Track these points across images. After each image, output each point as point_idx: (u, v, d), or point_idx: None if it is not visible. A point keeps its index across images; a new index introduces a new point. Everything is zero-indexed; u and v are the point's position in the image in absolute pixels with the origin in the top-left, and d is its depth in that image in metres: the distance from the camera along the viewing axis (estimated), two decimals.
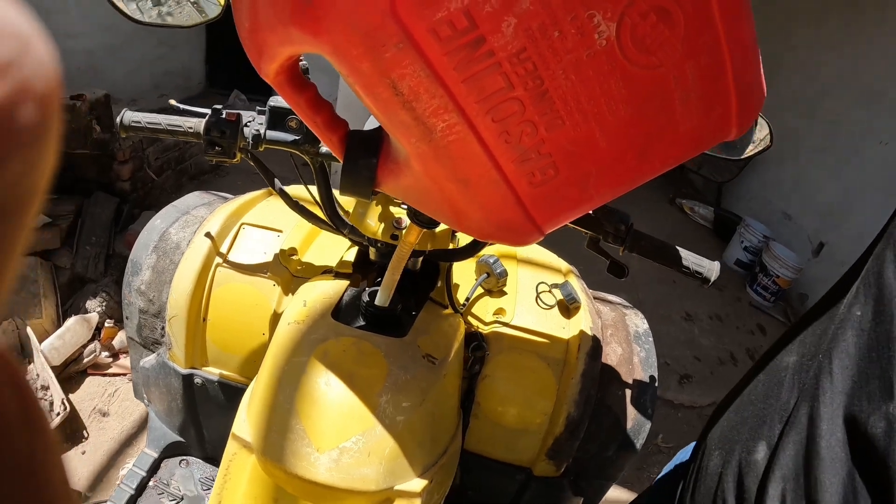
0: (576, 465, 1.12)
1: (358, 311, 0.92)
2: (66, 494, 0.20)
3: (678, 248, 0.88)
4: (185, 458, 1.41)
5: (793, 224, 4.24)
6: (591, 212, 0.84)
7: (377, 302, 0.88)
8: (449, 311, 1.01)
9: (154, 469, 1.39)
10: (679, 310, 3.36)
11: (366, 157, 0.58)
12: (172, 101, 0.96)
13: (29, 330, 2.14)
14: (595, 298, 1.29)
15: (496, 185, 0.51)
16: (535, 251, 1.29)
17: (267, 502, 0.80)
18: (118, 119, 0.94)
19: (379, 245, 0.94)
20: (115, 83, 3.86)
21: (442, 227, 0.86)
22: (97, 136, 2.63)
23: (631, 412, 1.12)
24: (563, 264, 1.27)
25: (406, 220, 0.83)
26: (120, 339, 2.35)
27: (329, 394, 0.78)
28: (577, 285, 1.18)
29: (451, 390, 0.93)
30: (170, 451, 1.39)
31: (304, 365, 0.80)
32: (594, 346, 1.08)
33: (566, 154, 0.50)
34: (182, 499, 1.34)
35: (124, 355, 2.32)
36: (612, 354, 1.17)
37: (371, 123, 0.60)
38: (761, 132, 0.88)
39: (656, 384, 1.16)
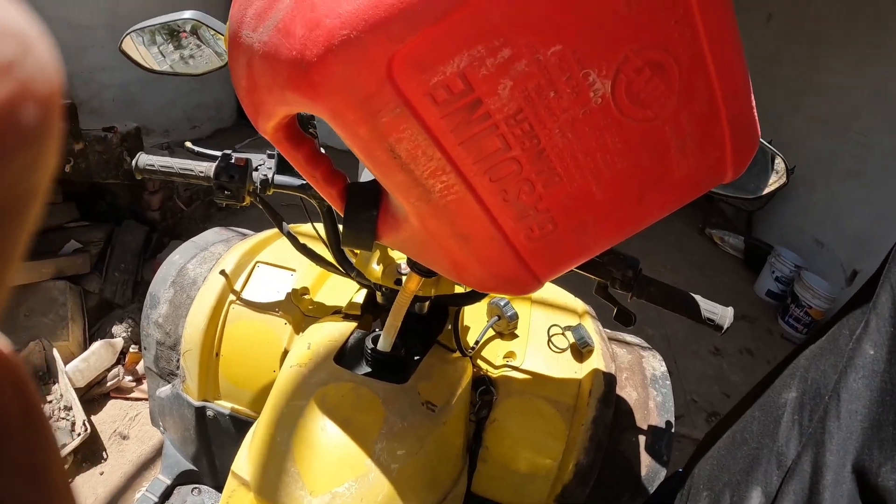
0: None
1: (362, 354, 0.92)
2: (67, 494, 0.20)
3: (690, 294, 0.85)
4: (197, 486, 1.42)
5: (825, 252, 4.12)
6: (598, 258, 0.82)
7: (379, 347, 0.88)
8: (457, 354, 1.00)
9: (166, 495, 1.41)
10: (708, 344, 3.28)
11: (366, 210, 0.58)
12: (188, 144, 0.98)
13: (55, 352, 2.19)
14: (612, 339, 1.27)
15: (495, 240, 0.51)
16: (551, 291, 1.27)
17: None
18: (133, 161, 0.97)
19: (383, 290, 0.94)
20: (149, 115, 3.98)
21: None
22: (128, 166, 2.70)
23: (645, 459, 1.09)
24: (578, 305, 1.25)
25: (406, 267, 0.83)
26: (143, 364, 2.38)
27: (324, 438, 0.78)
28: (592, 327, 1.16)
29: (453, 436, 0.92)
30: (183, 478, 1.41)
31: (302, 409, 0.80)
32: (606, 391, 1.05)
33: (563, 208, 0.50)
34: None
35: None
36: (626, 399, 1.15)
37: (368, 175, 0.60)
38: (776, 169, 0.85)
39: (672, 430, 1.13)
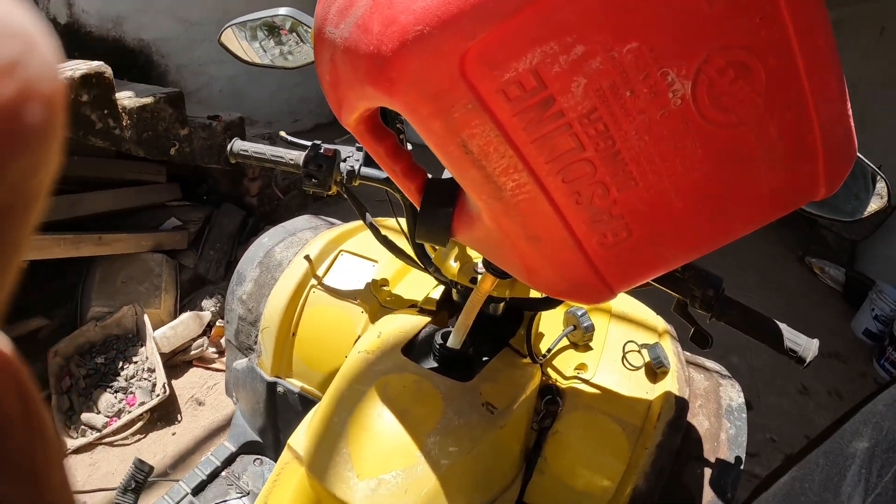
0: None
1: (430, 349, 0.93)
2: (67, 495, 0.20)
3: (774, 321, 0.80)
4: (259, 457, 1.48)
5: None
6: (679, 273, 0.79)
7: (449, 343, 0.88)
8: (526, 360, 0.98)
9: (229, 461, 1.48)
10: (795, 381, 3.08)
11: (442, 206, 0.58)
12: (282, 133, 1.02)
13: (146, 317, 2.35)
14: (689, 363, 1.21)
15: (567, 244, 0.50)
16: (631, 306, 1.23)
17: None
18: (229, 146, 1.02)
19: (459, 287, 0.94)
20: (253, 107, 4.19)
21: None
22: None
23: (708, 494, 1.03)
24: (659, 323, 1.20)
25: (482, 267, 0.83)
26: (225, 337, 2.51)
27: (379, 425, 0.79)
28: (670, 348, 1.12)
29: (511, 441, 0.91)
30: (247, 448, 1.47)
31: (363, 394, 0.81)
32: (677, 416, 1.01)
33: (639, 215, 0.47)
34: (248, 494, 1.40)
35: None
36: (697, 427, 1.10)
37: (448, 173, 0.61)
38: (878, 192, 0.78)
39: (742, 467, 1.07)
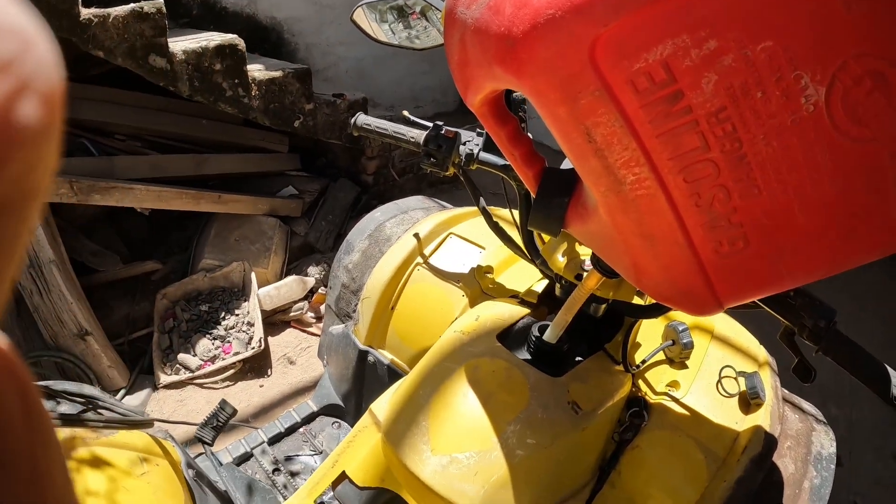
0: None
1: (525, 340, 0.94)
2: (68, 495, 0.20)
3: (886, 366, 0.75)
4: (338, 421, 1.55)
5: None
6: (790, 298, 0.75)
7: (545, 337, 0.89)
8: (619, 368, 0.98)
9: (309, 420, 1.56)
10: (893, 445, 2.85)
11: (558, 196, 0.59)
12: (405, 112, 1.07)
13: (253, 275, 2.51)
14: (785, 401, 1.16)
15: (680, 247, 0.49)
16: (734, 330, 1.18)
17: (374, 478, 0.87)
18: (353, 119, 1.08)
19: (563, 282, 0.95)
20: (378, 90, 4.32)
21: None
22: (351, 130, 2.98)
23: None
24: (761, 353, 1.14)
25: (589, 264, 0.84)
26: (326, 302, 2.63)
27: (463, 404, 0.81)
28: (769, 381, 1.07)
29: (590, 446, 0.91)
30: (328, 410, 1.55)
31: (451, 371, 0.84)
32: (763, 453, 0.97)
33: (759, 226, 0.46)
34: (321, 453, 1.48)
35: None
36: (781, 469, 1.05)
37: (567, 164, 0.63)
38: None
39: None
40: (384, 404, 0.91)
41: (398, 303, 1.25)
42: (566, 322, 0.85)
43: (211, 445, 1.25)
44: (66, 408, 1.00)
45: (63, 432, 0.90)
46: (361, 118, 1.09)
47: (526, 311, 1.01)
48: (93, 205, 2.27)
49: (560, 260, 0.88)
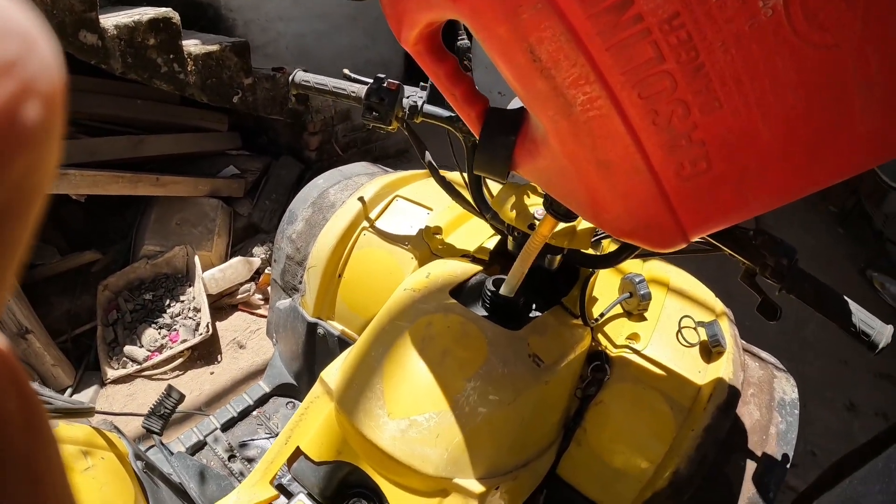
0: None
1: (480, 296, 0.90)
2: (66, 494, 0.20)
3: (848, 300, 0.74)
4: (292, 401, 1.49)
5: None
6: (751, 238, 0.74)
7: (501, 291, 0.85)
8: (578, 321, 0.95)
9: (262, 402, 1.50)
10: (843, 396, 2.96)
11: (503, 134, 0.55)
12: (346, 71, 1.01)
13: (197, 259, 2.40)
14: (745, 351, 1.16)
15: (640, 173, 0.45)
16: (690, 283, 1.17)
17: (330, 451, 0.81)
18: (290, 77, 1.01)
19: (515, 234, 0.91)
20: (319, 66, 4.20)
21: (582, 225, 0.81)
22: (292, 105, 2.89)
23: (749, 490, 0.98)
24: (718, 305, 1.14)
25: (542, 211, 0.80)
26: (271, 276, 2.56)
27: (417, 364, 0.77)
28: (728, 330, 1.06)
29: (554, 402, 0.87)
30: (281, 390, 1.48)
31: (403, 330, 0.79)
32: (728, 400, 0.96)
33: (722, 144, 0.42)
34: (276, 435, 1.42)
35: None
36: (746, 416, 1.04)
37: (514, 104, 0.58)
38: None
39: (788, 465, 1.01)
40: (334, 371, 0.85)
41: (345, 270, 1.19)
42: (522, 273, 0.81)
43: (160, 435, 1.18)
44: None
45: None
46: (300, 75, 1.03)
47: (478, 268, 0.97)
48: None
49: (511, 212, 0.84)
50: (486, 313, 0.88)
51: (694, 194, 0.46)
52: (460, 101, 0.56)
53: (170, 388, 1.21)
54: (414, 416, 0.73)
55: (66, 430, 0.89)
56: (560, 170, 0.51)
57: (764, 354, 1.20)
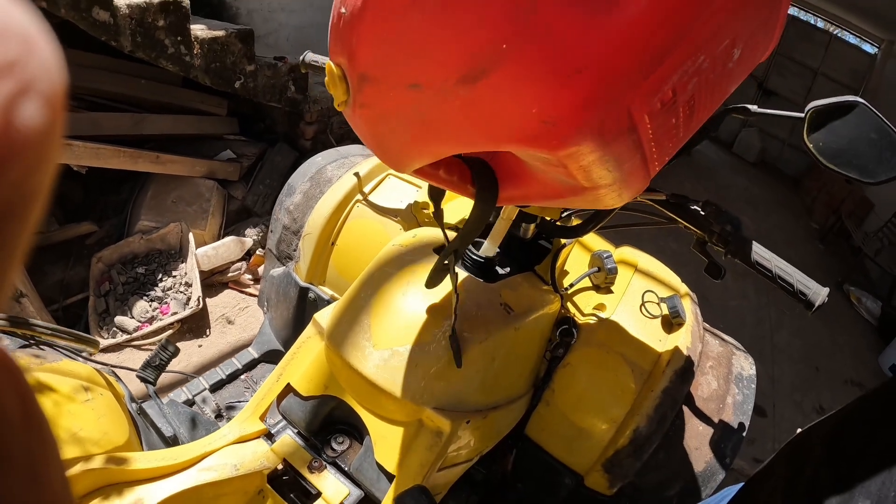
0: (632, 492, 1.07)
1: (461, 258, 0.97)
2: (65, 493, 0.20)
3: (787, 264, 0.83)
4: None
5: None
6: (701, 209, 0.83)
7: (480, 251, 0.93)
8: (548, 287, 1.03)
9: (250, 367, 1.56)
10: (814, 399, 3.06)
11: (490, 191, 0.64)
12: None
13: (191, 236, 2.45)
14: (707, 330, 1.24)
15: (644, 175, 0.56)
16: (657, 266, 1.26)
17: (318, 387, 0.88)
18: (301, 57, 1.08)
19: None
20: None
21: None
22: (291, 94, 2.95)
23: (706, 454, 1.05)
24: (682, 287, 1.22)
25: None
26: (266, 247, 2.60)
27: (402, 302, 0.84)
28: (689, 308, 1.14)
29: (522, 351, 0.94)
30: (269, 357, 1.55)
31: (391, 276, 0.87)
32: (686, 367, 1.04)
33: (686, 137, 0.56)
34: None
35: None
36: (704, 386, 1.12)
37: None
38: None
39: (744, 434, 1.09)
40: (326, 314, 0.92)
41: (338, 238, 1.27)
42: (501, 234, 0.89)
43: (153, 385, 1.23)
44: (6, 342, 0.97)
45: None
46: (310, 55, 1.09)
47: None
48: None
49: None
50: (465, 271, 0.95)
51: (662, 163, 0.58)
52: (458, 186, 0.65)
53: (166, 341, 1.27)
54: (396, 346, 0.80)
55: (70, 366, 0.94)
56: (560, 192, 0.58)
57: (726, 336, 1.28)
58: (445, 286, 0.85)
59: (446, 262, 0.74)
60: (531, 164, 0.56)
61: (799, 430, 0.66)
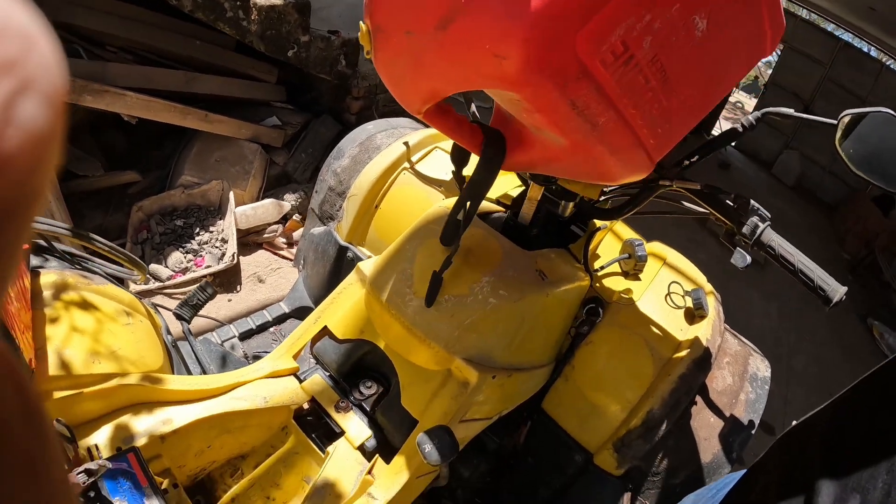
0: (638, 475, 1.10)
1: (500, 225, 1.02)
2: (66, 493, 0.20)
3: (810, 260, 0.87)
4: None
5: None
6: (732, 203, 0.89)
7: (519, 217, 0.98)
8: (580, 266, 1.07)
9: (280, 320, 1.62)
10: None
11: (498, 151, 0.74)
12: None
13: (231, 194, 2.53)
14: (727, 330, 1.27)
15: (630, 141, 0.65)
16: (684, 262, 1.29)
17: (354, 331, 0.93)
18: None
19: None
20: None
21: None
22: (341, 68, 3.01)
23: (714, 446, 1.08)
24: (707, 284, 1.25)
25: None
26: (298, 233, 2.67)
27: (444, 255, 0.87)
28: (713, 304, 1.17)
29: (551, 318, 0.98)
30: (299, 313, 1.60)
31: (436, 232, 0.91)
32: (704, 357, 1.07)
33: (679, 108, 0.64)
34: None
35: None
36: (719, 380, 1.15)
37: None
38: None
39: (753, 432, 1.11)
40: (370, 263, 0.97)
41: (383, 202, 1.32)
42: (535, 201, 0.95)
43: (188, 322, 1.29)
44: (54, 264, 1.03)
45: (53, 276, 0.93)
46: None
47: (501, 208, 1.08)
48: (78, 111, 2.24)
49: None
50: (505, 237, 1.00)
51: (660, 141, 0.67)
52: (467, 141, 0.74)
53: (205, 282, 1.33)
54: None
55: (114, 290, 1.00)
56: (557, 154, 0.69)
57: (744, 339, 1.31)
58: (485, 246, 0.90)
59: (458, 217, 0.82)
60: (529, 125, 0.66)
61: (794, 423, 0.67)
